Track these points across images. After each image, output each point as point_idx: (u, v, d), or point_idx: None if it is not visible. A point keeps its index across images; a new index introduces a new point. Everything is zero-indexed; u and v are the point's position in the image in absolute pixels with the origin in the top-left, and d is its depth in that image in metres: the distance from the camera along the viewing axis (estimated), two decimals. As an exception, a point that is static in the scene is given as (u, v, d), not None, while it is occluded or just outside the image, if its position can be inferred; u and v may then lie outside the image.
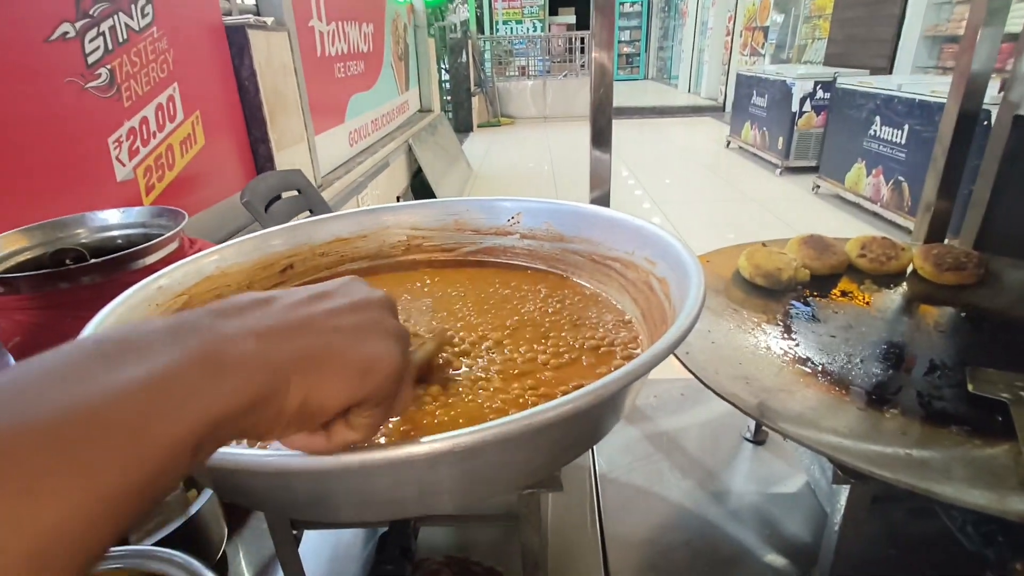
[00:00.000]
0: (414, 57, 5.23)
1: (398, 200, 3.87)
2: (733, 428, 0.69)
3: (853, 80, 4.00)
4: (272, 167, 2.18)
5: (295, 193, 1.68)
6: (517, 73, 9.55)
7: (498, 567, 0.50)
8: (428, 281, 0.67)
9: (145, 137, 1.56)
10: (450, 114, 7.38)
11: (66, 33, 1.35)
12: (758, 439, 0.67)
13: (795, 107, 4.67)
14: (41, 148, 1.24)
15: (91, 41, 1.41)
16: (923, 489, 0.34)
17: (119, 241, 0.69)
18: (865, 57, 5.21)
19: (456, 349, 0.52)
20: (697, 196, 4.67)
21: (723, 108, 8.51)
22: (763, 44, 7.88)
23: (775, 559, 0.53)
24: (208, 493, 0.49)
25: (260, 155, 2.16)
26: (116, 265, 0.59)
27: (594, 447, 0.67)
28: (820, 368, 0.49)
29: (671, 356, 0.36)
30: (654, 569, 0.52)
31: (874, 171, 3.72)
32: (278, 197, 1.61)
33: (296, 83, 2.44)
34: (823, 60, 6.06)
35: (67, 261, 0.58)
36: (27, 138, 1.21)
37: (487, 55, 8.86)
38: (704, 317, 0.58)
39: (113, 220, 0.71)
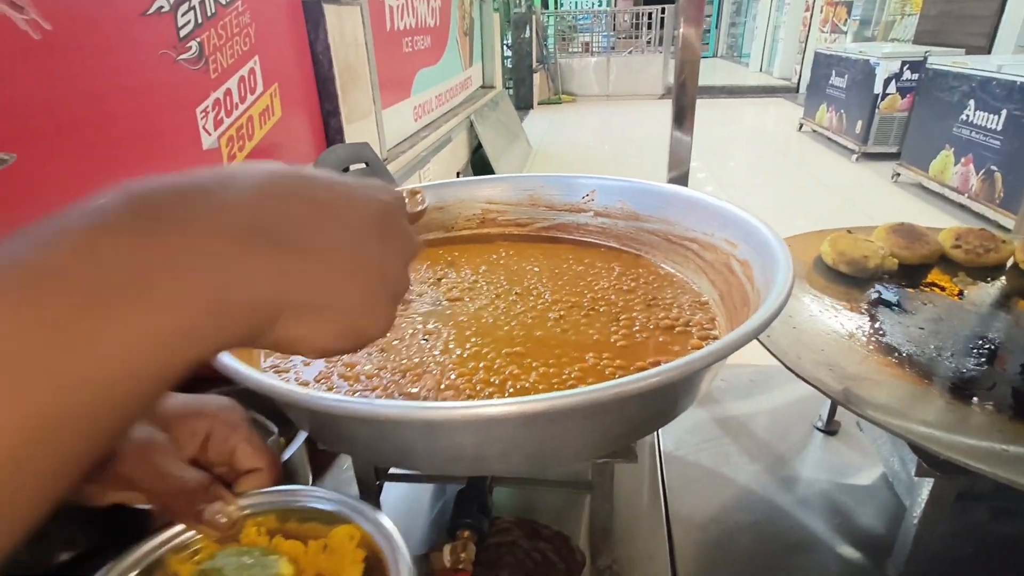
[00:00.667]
0: (479, 32, 5.21)
1: (458, 176, 3.91)
2: (804, 417, 0.68)
3: (946, 60, 3.71)
4: (342, 140, 2.25)
5: (363, 165, 1.74)
6: (580, 49, 9.35)
7: (564, 532, 0.51)
8: (504, 254, 0.69)
9: (228, 108, 1.65)
10: (511, 91, 7.34)
11: (161, 8, 1.42)
12: (830, 429, 0.66)
13: (878, 88, 4.39)
14: (136, 117, 1.32)
15: (183, 15, 1.49)
16: (1022, 484, 0.33)
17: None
18: (961, 35, 4.81)
19: (531, 318, 0.53)
20: (765, 181, 4.48)
21: (797, 89, 8.08)
22: (846, 20, 7.40)
23: (845, 549, 0.52)
24: (299, 441, 0.53)
25: (331, 128, 2.23)
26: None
27: (659, 431, 0.68)
28: (907, 358, 0.48)
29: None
30: (719, 547, 0.53)
31: (963, 159, 3.46)
32: (346, 169, 1.67)
33: (367, 58, 2.49)
34: (912, 38, 5.64)
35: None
36: (123, 107, 1.29)
37: (550, 30, 8.71)
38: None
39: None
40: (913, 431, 0.38)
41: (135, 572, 0.33)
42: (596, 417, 0.34)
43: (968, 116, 3.42)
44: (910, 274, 0.61)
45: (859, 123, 4.64)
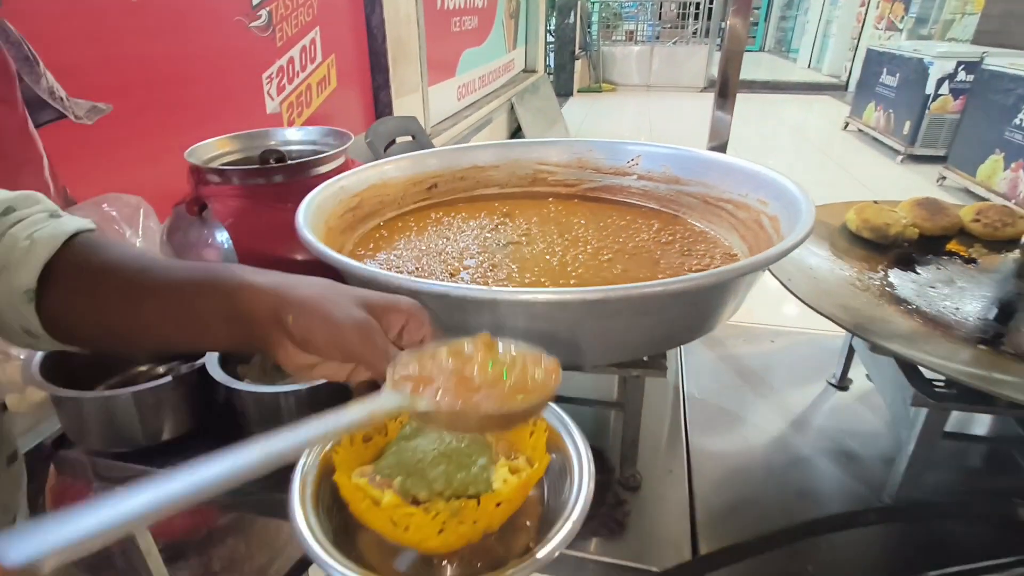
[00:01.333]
0: (524, 15, 5.24)
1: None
2: (819, 373, 0.74)
3: (1004, 61, 3.61)
4: (390, 113, 2.33)
5: (409, 138, 1.82)
6: (624, 38, 9.28)
7: (595, 445, 0.59)
8: (553, 210, 0.76)
9: (291, 75, 1.74)
10: (552, 76, 7.35)
11: (235, -24, 1.52)
12: (842, 385, 0.72)
13: (930, 88, 4.28)
14: (211, 78, 1.42)
15: (255, -16, 1.58)
16: (995, 390, 0.39)
17: (297, 152, 0.83)
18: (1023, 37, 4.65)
19: (582, 259, 0.60)
20: (803, 179, 4.40)
21: (845, 87, 7.88)
22: (902, 17, 7.18)
23: (848, 482, 0.58)
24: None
25: (380, 101, 2.31)
26: (301, 169, 0.72)
27: (684, 373, 0.75)
28: (916, 309, 0.53)
29: (760, 307, 0.43)
30: (731, 470, 0.60)
31: (1013, 165, 3.38)
32: (393, 141, 1.76)
33: (417, 34, 2.57)
34: (971, 38, 5.46)
35: (271, 160, 0.72)
36: (202, 68, 1.40)
37: (595, 17, 8.66)
38: (806, 259, 0.63)
39: (292, 136, 0.85)
40: (913, 355, 0.44)
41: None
42: (645, 312, 0.41)
43: (1022, 120, 3.33)
44: (929, 243, 0.66)
45: (907, 124, 4.54)
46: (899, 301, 0.54)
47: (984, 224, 0.66)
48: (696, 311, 0.43)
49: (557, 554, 0.33)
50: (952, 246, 0.66)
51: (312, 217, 0.56)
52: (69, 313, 0.44)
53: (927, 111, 4.35)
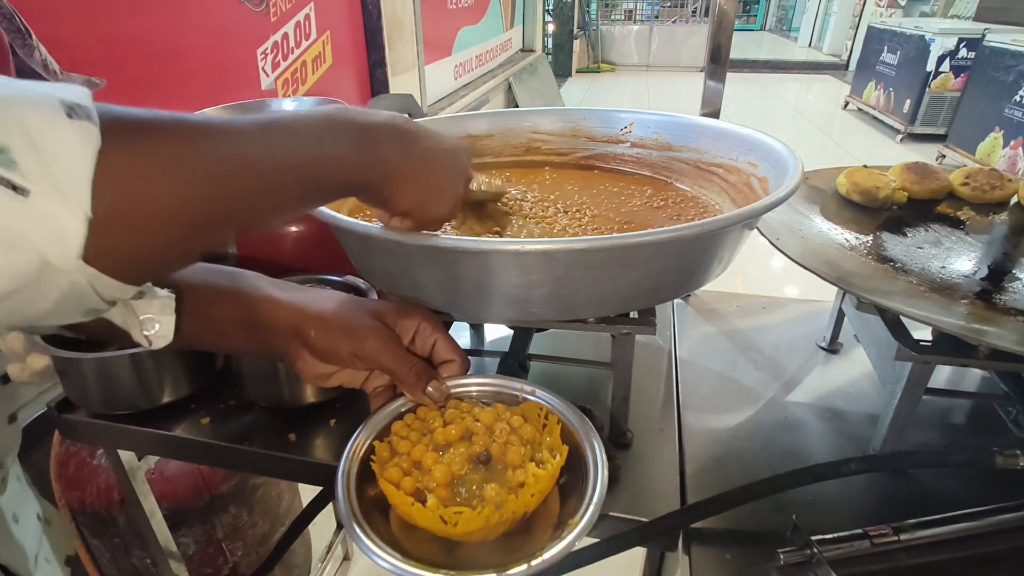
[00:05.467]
0: (522, -7, 5.18)
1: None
2: (809, 338, 0.75)
3: (1005, 38, 3.58)
4: (386, 91, 2.32)
5: (405, 117, 1.82)
6: (623, 17, 9.17)
7: (586, 406, 0.60)
8: (548, 178, 0.76)
9: (285, 52, 1.73)
10: (550, 57, 7.27)
11: (228, -50, 1.50)
12: (832, 348, 0.73)
13: (930, 66, 4.25)
14: (206, 53, 1.42)
15: (247, -42, 1.57)
16: (978, 338, 0.40)
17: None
18: (1026, 13, 4.60)
19: (576, 222, 0.61)
20: (802, 159, 4.41)
21: (846, 67, 7.81)
22: (904, -5, 7.09)
23: (835, 437, 0.60)
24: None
25: (376, 78, 2.30)
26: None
27: (676, 338, 0.76)
28: (901, 268, 0.54)
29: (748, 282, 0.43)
30: (722, 427, 0.61)
31: (1013, 142, 3.37)
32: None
33: (413, 10, 2.54)
34: (974, 15, 5.40)
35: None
36: (196, 43, 1.39)
37: (594, -4, 8.55)
38: (796, 220, 0.63)
39: (288, 107, 0.85)
40: (896, 306, 0.45)
41: (374, 433, 0.44)
42: (634, 262, 0.41)
43: (1022, 97, 3.31)
44: (918, 207, 0.67)
45: (907, 102, 4.52)
46: (886, 260, 0.55)
47: (973, 188, 0.67)
48: (682, 265, 0.44)
49: (588, 529, 0.36)
50: (941, 209, 0.67)
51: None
52: None
53: (927, 89, 4.33)
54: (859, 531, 0.47)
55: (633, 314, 0.53)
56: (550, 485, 0.39)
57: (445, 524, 0.36)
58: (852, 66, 7.09)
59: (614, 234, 0.38)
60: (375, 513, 0.39)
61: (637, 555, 0.59)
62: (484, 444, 0.40)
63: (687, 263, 0.44)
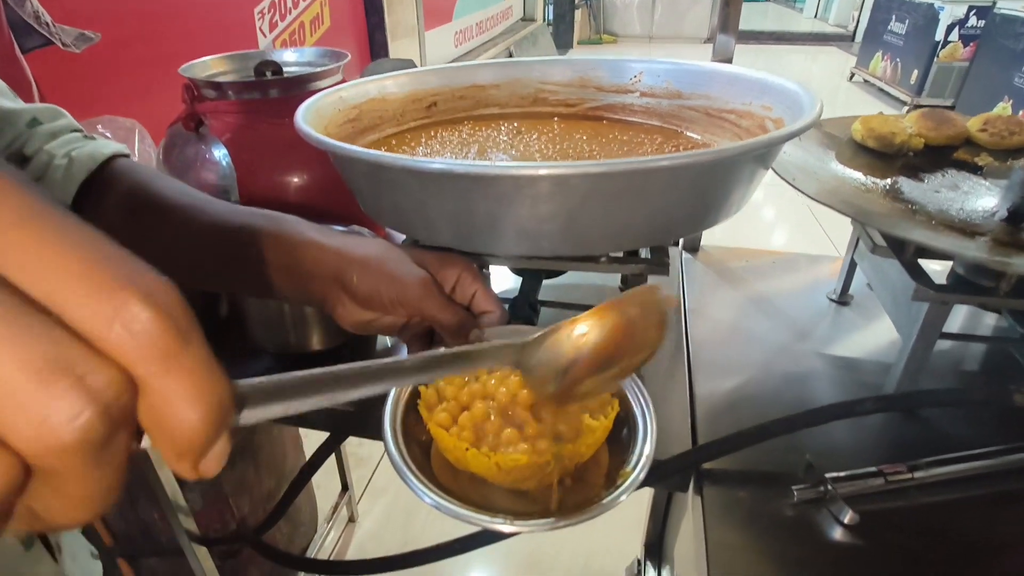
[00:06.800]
0: (522, -40, 5.06)
1: (495, 108, 3.89)
2: (819, 290, 0.74)
3: (1016, 5, 3.51)
4: (386, 55, 2.28)
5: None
6: (626, -14, 8.96)
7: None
8: (556, 128, 0.75)
9: (283, 12, 1.69)
10: (551, 27, 7.13)
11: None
12: (843, 300, 0.72)
13: (939, 35, 4.18)
14: (200, 11, 1.38)
15: (242, -87, 1.52)
16: (997, 264, 0.39)
17: (294, 72, 0.81)
18: (1038, -20, 4.50)
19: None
20: (807, 129, 4.36)
21: (852, 38, 7.67)
22: (913, -37, 6.93)
23: (847, 383, 0.59)
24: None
25: (376, 42, 2.25)
26: (298, 83, 0.71)
27: (685, 288, 0.75)
28: (922, 208, 0.53)
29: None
30: (730, 369, 0.60)
31: (1022, 112, 3.32)
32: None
33: (412, -26, 2.48)
34: (985, -17, 5.29)
35: (267, 74, 0.70)
36: (187, 1, 1.35)
37: (596, -36, 8.36)
38: (810, 164, 0.62)
39: (289, 57, 0.83)
40: (918, 239, 0.44)
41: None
42: (650, 190, 0.40)
43: (1032, 66, 3.26)
44: (934, 153, 0.66)
45: (915, 73, 4.45)
46: (904, 201, 0.54)
47: (991, 134, 0.65)
48: (699, 196, 0.43)
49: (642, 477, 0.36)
50: (958, 155, 0.65)
51: (311, 119, 0.55)
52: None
53: (935, 59, 4.25)
54: (873, 469, 0.47)
55: (645, 255, 0.52)
56: (604, 436, 0.39)
57: (499, 470, 0.35)
58: (858, 37, 6.96)
59: (631, 158, 0.36)
60: (419, 455, 0.39)
61: (641, 500, 0.60)
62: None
63: (703, 194, 0.43)
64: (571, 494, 0.37)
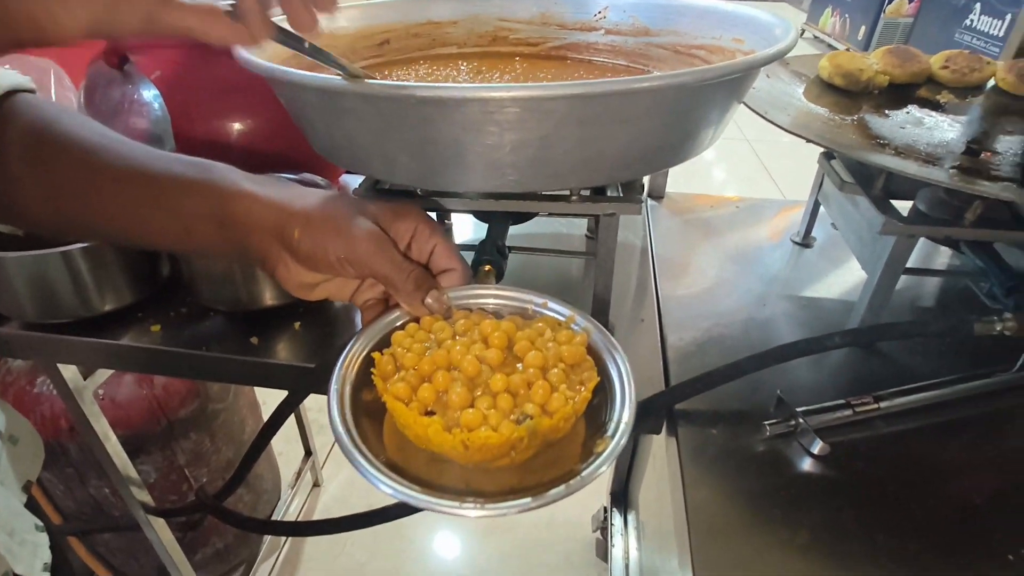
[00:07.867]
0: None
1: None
2: (784, 233, 0.75)
3: (960, -40, 3.58)
4: None
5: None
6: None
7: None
8: (519, 68, 0.71)
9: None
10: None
11: None
12: (806, 242, 0.73)
13: (886, -10, 4.24)
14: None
15: None
16: (966, 187, 0.39)
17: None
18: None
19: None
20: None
21: (803, -6, 7.73)
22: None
23: (813, 321, 0.60)
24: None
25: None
26: (235, 18, 0.65)
27: (652, 235, 0.74)
28: (886, 141, 0.53)
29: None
30: (700, 315, 0.60)
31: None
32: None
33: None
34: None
35: (198, 2, 0.63)
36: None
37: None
38: (779, 100, 0.61)
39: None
40: (887, 164, 0.43)
41: (372, 344, 0.39)
42: (623, 116, 0.38)
43: (972, 21, 3.35)
44: (898, 91, 0.66)
45: (863, 28, 4.53)
46: (872, 136, 0.54)
47: (952, 71, 0.65)
48: (676, 122, 0.41)
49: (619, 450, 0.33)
50: (922, 92, 0.66)
51: (253, 52, 0.50)
52: (8, 185, 0.37)
53: (882, 15, 4.33)
54: (841, 401, 0.47)
55: (614, 193, 0.50)
56: (583, 408, 0.35)
57: (467, 449, 0.32)
58: (809, -7, 7.01)
59: (613, 78, 0.34)
60: (368, 424, 0.35)
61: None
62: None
63: (681, 121, 0.41)
64: (546, 467, 0.33)
